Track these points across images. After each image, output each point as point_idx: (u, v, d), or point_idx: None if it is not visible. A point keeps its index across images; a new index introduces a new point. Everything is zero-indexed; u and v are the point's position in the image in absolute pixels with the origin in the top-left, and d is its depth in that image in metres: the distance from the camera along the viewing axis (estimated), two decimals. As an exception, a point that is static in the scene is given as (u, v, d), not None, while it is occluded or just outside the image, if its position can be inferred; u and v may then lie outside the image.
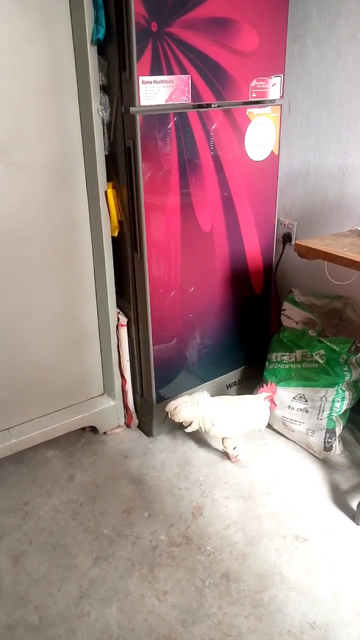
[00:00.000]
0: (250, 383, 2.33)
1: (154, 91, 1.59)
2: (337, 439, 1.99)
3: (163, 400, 2.06)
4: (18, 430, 1.93)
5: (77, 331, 1.98)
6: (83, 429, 2.15)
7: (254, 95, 1.84)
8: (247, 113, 1.85)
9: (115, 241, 1.87)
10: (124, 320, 1.99)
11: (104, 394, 2.16)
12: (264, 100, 1.89)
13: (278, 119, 1.96)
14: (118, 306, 1.99)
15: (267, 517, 1.76)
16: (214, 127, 1.79)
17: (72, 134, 1.70)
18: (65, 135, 1.69)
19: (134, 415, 2.19)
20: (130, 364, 2.08)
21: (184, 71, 1.63)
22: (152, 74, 1.57)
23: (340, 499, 1.83)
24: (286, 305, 2.16)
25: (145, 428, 2.17)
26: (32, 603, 1.50)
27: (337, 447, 1.99)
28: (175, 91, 1.64)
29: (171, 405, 1.90)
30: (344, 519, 1.75)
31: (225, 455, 2.01)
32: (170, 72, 1.61)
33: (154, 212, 1.75)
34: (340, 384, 1.89)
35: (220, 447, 2.03)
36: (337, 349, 1.89)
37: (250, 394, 2.03)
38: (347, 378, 1.89)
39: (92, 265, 1.92)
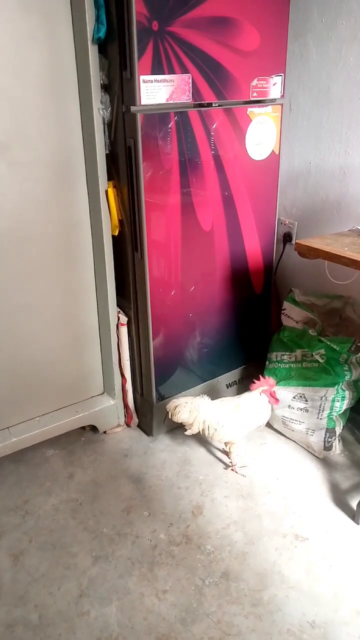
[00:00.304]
0: (250, 382, 2.32)
1: (155, 90, 1.59)
2: (337, 439, 2.00)
3: (163, 399, 2.06)
4: (18, 429, 1.94)
5: (77, 330, 1.98)
6: (83, 428, 2.15)
7: (254, 94, 1.84)
8: (247, 112, 1.85)
9: (116, 240, 1.87)
10: (124, 319, 1.99)
11: (104, 393, 2.16)
12: (265, 100, 1.89)
13: (279, 118, 1.95)
14: (118, 305, 1.99)
15: (267, 516, 1.76)
16: (214, 126, 1.79)
17: (73, 133, 1.70)
18: (66, 135, 1.69)
19: (134, 415, 2.19)
20: (131, 363, 2.08)
21: (184, 70, 1.63)
22: (153, 73, 1.57)
23: (340, 498, 1.83)
24: (286, 304, 2.16)
25: (145, 427, 2.17)
26: (31, 602, 1.50)
27: (337, 446, 2.00)
28: (176, 90, 1.64)
29: (171, 404, 1.90)
30: (343, 519, 1.75)
31: (225, 454, 2.01)
32: (171, 71, 1.61)
33: (155, 212, 1.75)
34: (341, 384, 1.90)
35: (220, 447, 2.03)
36: (337, 349, 1.89)
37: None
38: (347, 377, 1.89)
39: (93, 264, 1.92)
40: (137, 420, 2.20)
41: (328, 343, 1.91)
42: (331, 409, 1.93)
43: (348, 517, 1.75)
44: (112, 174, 1.78)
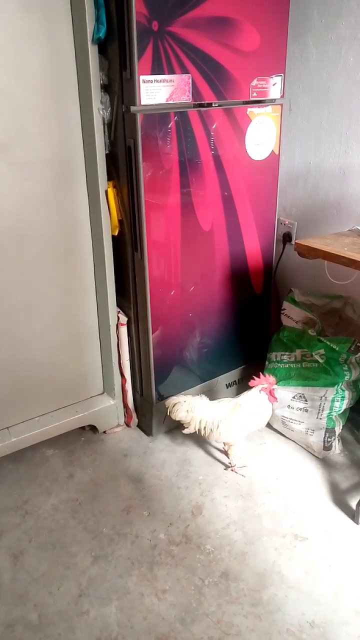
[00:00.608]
0: (249, 380, 2.33)
1: (155, 90, 1.59)
2: (337, 439, 2.00)
3: (163, 399, 2.06)
4: (18, 429, 1.94)
5: (77, 330, 1.98)
6: (83, 427, 2.15)
7: (254, 94, 1.84)
8: (247, 112, 1.85)
9: (116, 240, 1.87)
10: (124, 319, 1.99)
11: (103, 393, 2.16)
12: (265, 100, 1.89)
13: (279, 118, 1.96)
14: (118, 305, 1.99)
15: (267, 516, 1.77)
16: (214, 126, 1.79)
17: (73, 133, 1.70)
18: (66, 134, 1.69)
19: (134, 415, 2.19)
20: (130, 363, 2.08)
21: (184, 70, 1.63)
22: (152, 73, 1.57)
23: (339, 498, 1.83)
24: (286, 304, 2.16)
25: (145, 427, 2.17)
26: (31, 601, 1.50)
27: (336, 446, 2.00)
28: (176, 90, 1.64)
29: (171, 402, 1.90)
30: (343, 518, 1.75)
31: (224, 454, 2.02)
32: (171, 72, 1.61)
33: (154, 212, 1.75)
34: (340, 384, 1.90)
35: (220, 447, 2.04)
36: (337, 349, 1.89)
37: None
38: (346, 377, 1.89)
39: (93, 264, 1.93)
40: (136, 420, 2.20)
41: (328, 343, 1.91)
42: (331, 409, 1.93)
43: (348, 517, 1.75)
44: (112, 174, 1.78)
